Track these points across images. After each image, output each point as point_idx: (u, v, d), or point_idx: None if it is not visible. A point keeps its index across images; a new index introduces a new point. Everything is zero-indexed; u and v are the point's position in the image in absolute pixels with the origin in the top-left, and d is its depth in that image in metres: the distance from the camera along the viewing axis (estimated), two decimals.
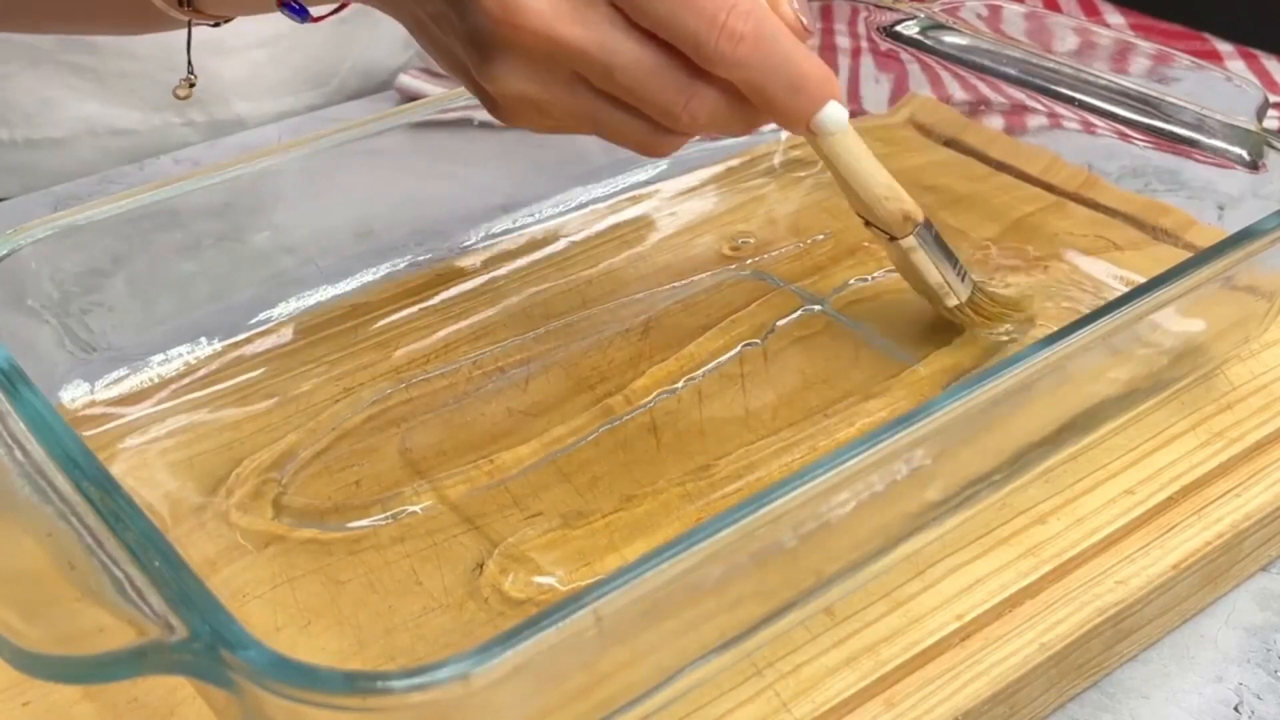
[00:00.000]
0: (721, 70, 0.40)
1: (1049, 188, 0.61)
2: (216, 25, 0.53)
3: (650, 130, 0.42)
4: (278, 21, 0.76)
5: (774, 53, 0.40)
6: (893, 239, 0.48)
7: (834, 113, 0.43)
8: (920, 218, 0.48)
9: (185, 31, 0.54)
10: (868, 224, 0.49)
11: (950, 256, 0.49)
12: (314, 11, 0.48)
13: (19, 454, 0.36)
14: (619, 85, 0.40)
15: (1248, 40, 0.78)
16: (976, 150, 0.64)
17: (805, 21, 0.43)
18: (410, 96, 0.76)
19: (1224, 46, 0.78)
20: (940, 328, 0.52)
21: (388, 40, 0.82)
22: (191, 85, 0.57)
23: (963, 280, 0.50)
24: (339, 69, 0.81)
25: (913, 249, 0.48)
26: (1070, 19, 0.62)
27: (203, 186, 0.51)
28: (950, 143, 0.65)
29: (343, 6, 0.49)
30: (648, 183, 0.62)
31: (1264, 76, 0.75)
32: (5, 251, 0.46)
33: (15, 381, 0.38)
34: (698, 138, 0.64)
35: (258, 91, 0.78)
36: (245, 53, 0.76)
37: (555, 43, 0.39)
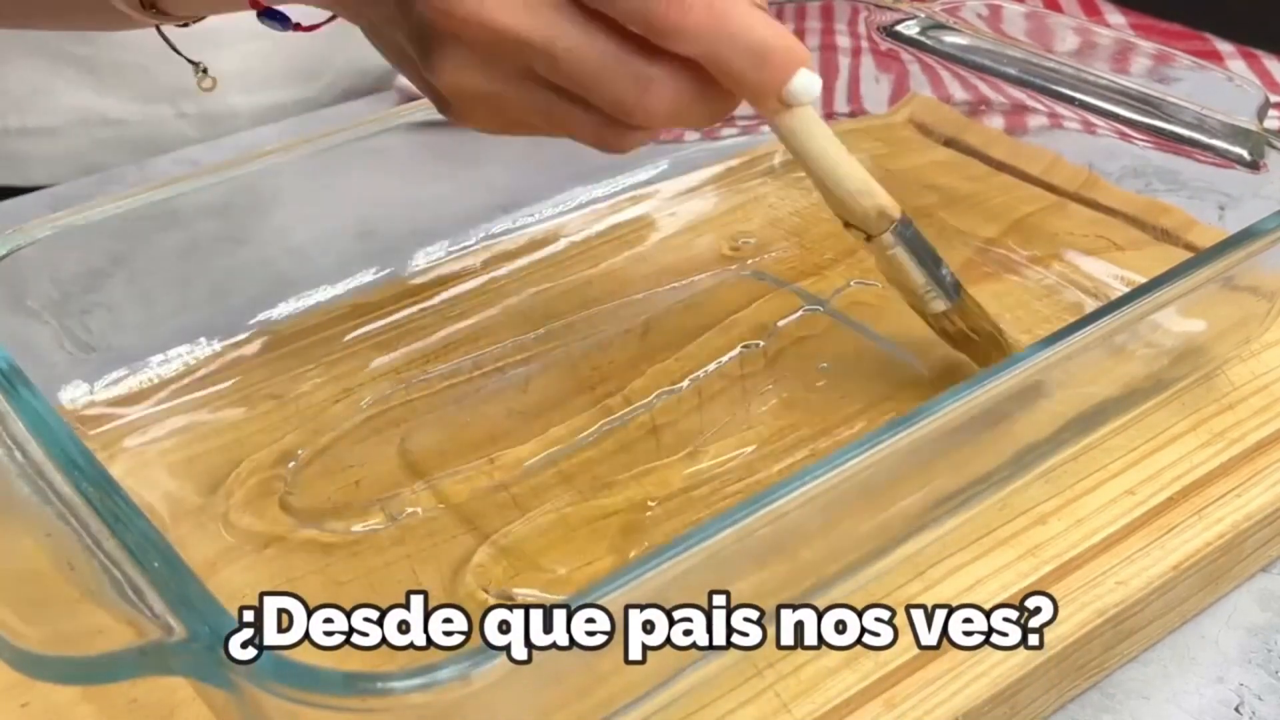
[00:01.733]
0: (676, 45, 0.37)
1: (1049, 188, 0.61)
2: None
3: (607, 125, 0.40)
4: None
5: (730, 20, 0.37)
6: (869, 237, 0.45)
7: (805, 81, 0.39)
8: (897, 214, 0.44)
9: (179, 25, 0.53)
10: (847, 225, 0.45)
11: (934, 257, 0.46)
12: (302, 20, 0.47)
13: (19, 455, 0.36)
14: (566, 75, 0.38)
15: (1248, 40, 0.78)
16: (976, 150, 0.64)
17: None
18: (410, 96, 0.76)
19: (1224, 46, 0.78)
20: None
21: None
22: (205, 72, 0.56)
23: (949, 284, 0.46)
24: (332, 63, 0.81)
25: (888, 247, 0.45)
26: (1070, 19, 0.62)
27: (203, 186, 0.51)
28: (950, 143, 0.65)
29: (331, 19, 0.48)
30: (648, 183, 0.62)
31: (1264, 76, 0.75)
32: (5, 251, 0.46)
33: (15, 382, 0.38)
34: (696, 135, 0.64)
35: (251, 84, 0.78)
36: (239, 45, 0.76)
37: (494, 31, 0.37)
